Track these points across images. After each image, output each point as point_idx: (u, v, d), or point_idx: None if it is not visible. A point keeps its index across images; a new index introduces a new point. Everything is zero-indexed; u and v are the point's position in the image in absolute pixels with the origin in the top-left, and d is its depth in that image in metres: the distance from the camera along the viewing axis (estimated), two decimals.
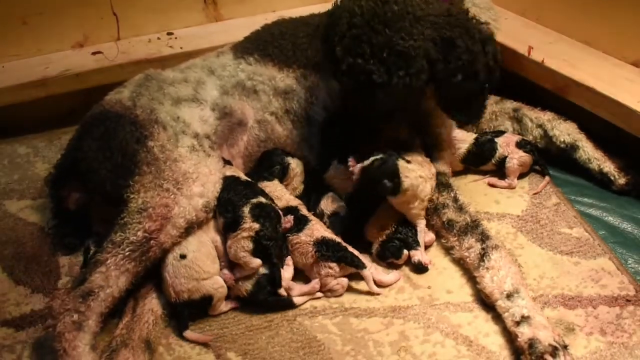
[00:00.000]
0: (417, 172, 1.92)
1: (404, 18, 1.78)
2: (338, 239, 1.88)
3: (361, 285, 1.88)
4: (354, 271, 1.85)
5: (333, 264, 1.83)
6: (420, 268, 1.91)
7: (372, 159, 1.91)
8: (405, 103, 1.91)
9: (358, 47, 1.78)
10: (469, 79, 1.86)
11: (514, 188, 2.23)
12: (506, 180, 2.24)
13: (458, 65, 1.83)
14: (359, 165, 1.92)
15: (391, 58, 1.76)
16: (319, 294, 1.86)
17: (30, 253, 2.04)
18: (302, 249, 1.87)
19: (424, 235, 1.96)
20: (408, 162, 1.93)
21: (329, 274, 1.83)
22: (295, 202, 2.02)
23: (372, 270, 1.87)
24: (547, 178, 2.24)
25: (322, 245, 1.84)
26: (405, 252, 1.92)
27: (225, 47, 2.33)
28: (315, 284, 1.85)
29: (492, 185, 2.25)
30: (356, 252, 1.87)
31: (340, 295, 1.85)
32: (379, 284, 1.87)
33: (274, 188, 2.04)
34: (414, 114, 2.06)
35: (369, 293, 1.86)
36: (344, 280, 1.85)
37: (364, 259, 1.89)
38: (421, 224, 1.96)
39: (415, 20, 1.78)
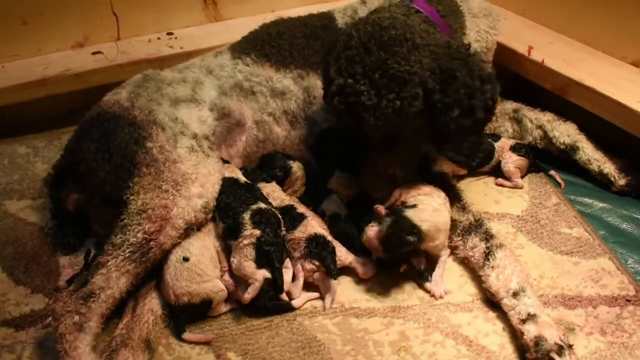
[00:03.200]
0: (429, 209, 1.85)
1: (402, 43, 1.75)
2: (329, 238, 1.88)
3: (361, 286, 1.88)
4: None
5: (317, 262, 1.83)
6: (423, 276, 1.88)
7: (384, 225, 1.82)
8: (396, 130, 1.84)
9: (350, 68, 1.76)
10: (465, 114, 1.80)
11: (520, 188, 2.23)
12: (510, 181, 2.25)
13: (456, 99, 1.77)
14: (373, 236, 1.84)
15: (383, 80, 1.73)
16: (316, 294, 1.86)
17: (30, 253, 2.04)
18: (294, 245, 1.88)
19: (444, 265, 1.92)
20: (414, 206, 1.85)
21: (313, 270, 1.84)
22: (289, 201, 2.02)
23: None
24: (552, 172, 2.27)
25: (312, 241, 1.85)
26: (404, 266, 1.88)
27: (223, 47, 2.32)
28: (300, 276, 1.85)
29: (500, 185, 2.25)
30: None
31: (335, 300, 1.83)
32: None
33: (270, 189, 2.04)
34: (411, 149, 1.98)
35: (369, 292, 1.87)
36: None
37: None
38: (444, 255, 1.91)
39: (413, 47, 1.75)
